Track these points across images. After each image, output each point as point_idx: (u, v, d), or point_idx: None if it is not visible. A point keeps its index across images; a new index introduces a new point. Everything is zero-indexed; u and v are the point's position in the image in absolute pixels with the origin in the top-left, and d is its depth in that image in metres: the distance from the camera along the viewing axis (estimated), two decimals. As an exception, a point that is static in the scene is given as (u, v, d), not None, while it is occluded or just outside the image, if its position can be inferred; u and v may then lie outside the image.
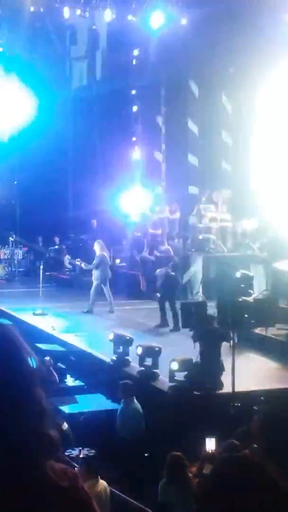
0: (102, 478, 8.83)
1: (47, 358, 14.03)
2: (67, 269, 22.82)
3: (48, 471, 1.88)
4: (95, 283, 19.75)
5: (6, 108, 23.59)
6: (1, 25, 23.48)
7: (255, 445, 4.68)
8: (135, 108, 27.17)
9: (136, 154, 26.94)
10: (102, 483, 8.57)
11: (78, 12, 24.13)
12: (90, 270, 20.03)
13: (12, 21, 22.94)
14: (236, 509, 3.08)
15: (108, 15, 23.88)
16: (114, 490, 9.16)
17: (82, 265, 20.34)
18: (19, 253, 24.86)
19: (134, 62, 26.60)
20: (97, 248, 20.02)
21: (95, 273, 19.81)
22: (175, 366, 13.21)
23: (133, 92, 26.97)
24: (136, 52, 26.42)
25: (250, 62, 21.55)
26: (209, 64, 23.26)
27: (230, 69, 23.42)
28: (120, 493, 9.02)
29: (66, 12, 23.75)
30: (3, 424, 1.83)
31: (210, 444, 8.71)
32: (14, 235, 24.85)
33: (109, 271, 20.01)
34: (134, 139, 27.09)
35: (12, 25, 23.07)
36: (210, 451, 8.57)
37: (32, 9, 23.09)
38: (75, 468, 7.83)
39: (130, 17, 24.21)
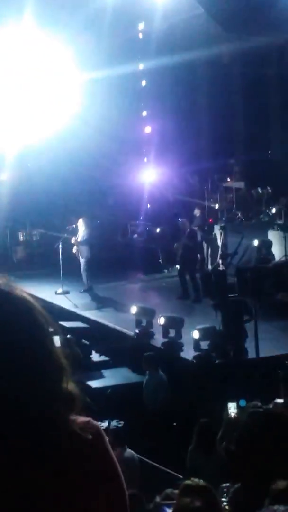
0: (131, 448, 8.94)
1: (69, 336, 14.15)
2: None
3: (70, 424, 1.93)
4: (84, 260, 19.62)
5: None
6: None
7: (279, 400, 4.79)
8: (143, 83, 27.06)
9: (148, 128, 26.88)
10: (130, 451, 8.68)
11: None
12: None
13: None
14: (265, 456, 3.14)
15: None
16: (144, 458, 9.28)
17: (74, 240, 19.92)
18: (37, 234, 24.89)
19: (140, 36, 26.45)
20: (84, 224, 19.79)
21: (84, 250, 19.63)
22: (196, 335, 13.28)
23: (141, 66, 26.84)
24: (141, 26, 26.27)
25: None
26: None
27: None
28: (150, 461, 9.13)
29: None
30: (24, 380, 1.88)
31: (232, 409, 8.79)
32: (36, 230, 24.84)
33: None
34: (144, 113, 27.01)
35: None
36: (232, 416, 8.66)
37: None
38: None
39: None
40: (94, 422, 2.01)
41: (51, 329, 2.03)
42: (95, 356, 15.36)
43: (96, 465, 1.95)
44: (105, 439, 2.01)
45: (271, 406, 4.39)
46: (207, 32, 24.60)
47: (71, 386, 1.98)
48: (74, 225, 20.15)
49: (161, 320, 14.48)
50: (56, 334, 2.15)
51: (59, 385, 1.95)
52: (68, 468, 1.89)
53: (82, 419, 1.98)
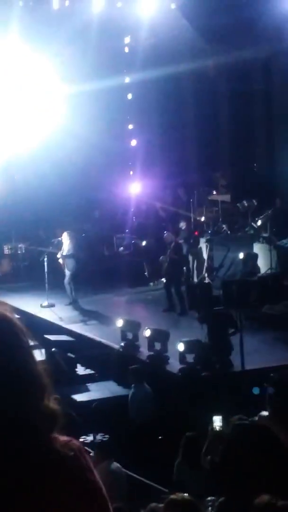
0: (117, 462, 8.90)
1: (54, 349, 14.11)
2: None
3: (51, 442, 1.93)
4: (69, 273, 19.59)
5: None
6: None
7: (264, 412, 4.80)
8: (129, 96, 27.15)
9: (133, 141, 26.97)
10: (116, 464, 8.65)
11: (67, 3, 24.01)
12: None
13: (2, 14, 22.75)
14: (249, 468, 3.14)
15: (97, 4, 23.75)
16: (130, 473, 9.24)
17: (59, 255, 19.91)
18: (23, 247, 24.84)
19: (126, 50, 26.55)
20: (68, 238, 19.73)
21: (70, 263, 19.62)
22: (181, 347, 13.27)
23: (127, 79, 26.93)
24: (127, 40, 26.37)
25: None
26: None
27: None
28: (136, 475, 9.10)
29: (56, 3, 23.66)
30: (5, 399, 1.88)
31: (217, 422, 8.79)
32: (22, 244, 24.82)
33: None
34: (130, 126, 27.10)
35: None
36: (217, 428, 8.65)
37: (21, 3, 22.98)
38: (90, 454, 7.90)
39: (119, 4, 24.10)
40: (75, 441, 2.00)
41: (32, 343, 2.01)
42: (81, 370, 15.33)
43: (76, 481, 1.93)
44: (87, 456, 2.00)
45: (256, 418, 4.40)
46: (192, 46, 24.74)
47: (53, 404, 1.97)
48: (59, 238, 20.14)
49: (147, 333, 14.48)
50: (38, 348, 2.14)
51: (40, 403, 1.93)
52: (48, 483, 1.88)
53: (63, 438, 1.98)
